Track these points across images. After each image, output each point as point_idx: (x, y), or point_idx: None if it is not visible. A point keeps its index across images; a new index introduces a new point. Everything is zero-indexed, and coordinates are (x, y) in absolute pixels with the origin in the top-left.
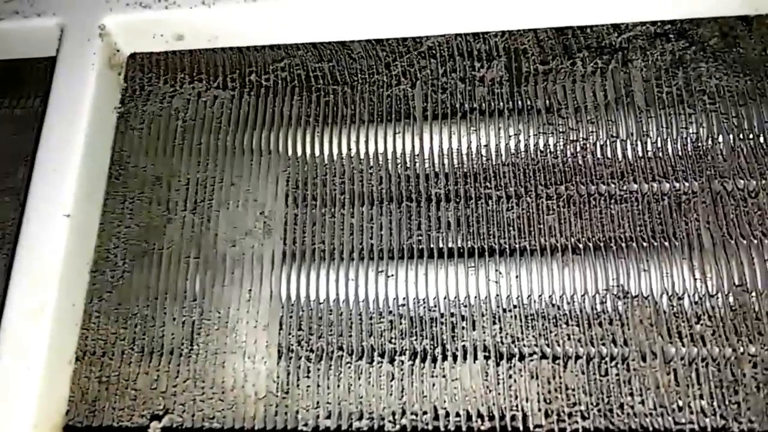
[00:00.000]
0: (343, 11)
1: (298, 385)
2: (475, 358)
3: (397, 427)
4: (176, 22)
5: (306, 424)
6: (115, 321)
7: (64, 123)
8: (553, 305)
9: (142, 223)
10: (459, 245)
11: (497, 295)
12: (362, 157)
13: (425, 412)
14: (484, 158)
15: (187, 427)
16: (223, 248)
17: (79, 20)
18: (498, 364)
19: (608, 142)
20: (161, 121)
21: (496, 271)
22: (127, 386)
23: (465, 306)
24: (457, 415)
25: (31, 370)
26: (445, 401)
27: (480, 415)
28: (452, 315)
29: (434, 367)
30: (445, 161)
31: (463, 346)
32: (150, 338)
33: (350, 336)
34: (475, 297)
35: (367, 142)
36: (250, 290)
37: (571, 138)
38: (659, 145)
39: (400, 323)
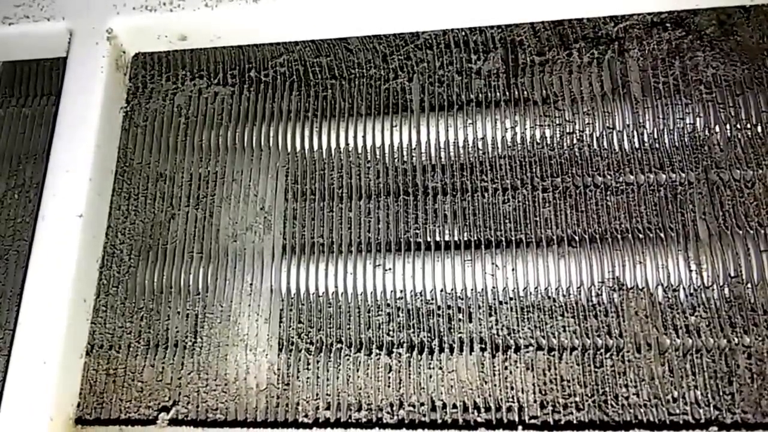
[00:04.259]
0: (342, 9)
1: (298, 377)
2: (472, 350)
3: (395, 418)
4: (180, 23)
5: (306, 416)
6: (121, 315)
7: (76, 125)
8: (549, 297)
9: (146, 218)
10: (456, 238)
11: (493, 288)
12: (360, 150)
13: (422, 404)
14: (481, 151)
15: (192, 418)
16: (225, 243)
17: (88, 24)
18: (494, 356)
19: (604, 134)
20: (164, 118)
21: (493, 263)
22: (134, 379)
23: (461, 298)
24: (454, 406)
25: (47, 365)
26: (441, 393)
27: (476, 407)
28: (449, 307)
29: (431, 359)
30: (442, 154)
31: (460, 338)
32: (155, 331)
33: (349, 328)
34: (472, 289)
35: (364, 135)
36: (251, 284)
37: (568, 130)
38: (655, 135)
39: (398, 316)
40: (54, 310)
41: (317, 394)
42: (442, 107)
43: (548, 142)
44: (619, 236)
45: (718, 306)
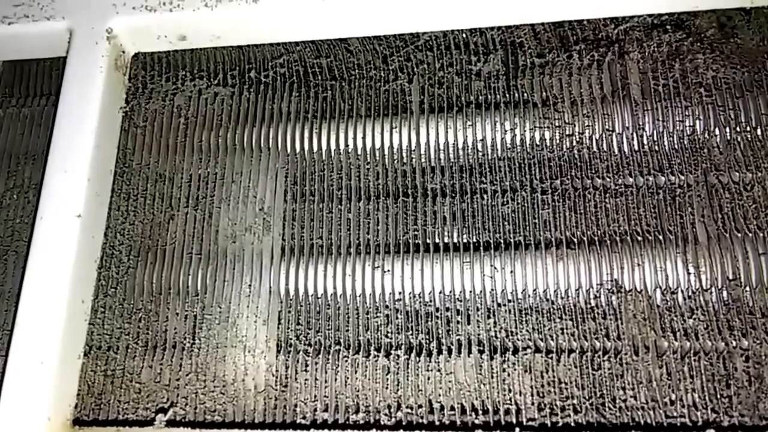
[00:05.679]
0: (342, 10)
1: (296, 379)
2: (470, 352)
3: (393, 420)
4: (180, 23)
5: (304, 417)
6: (120, 316)
7: (75, 126)
8: (547, 299)
9: (145, 219)
10: (455, 240)
11: (492, 290)
12: (359, 152)
13: (420, 406)
14: (480, 152)
15: (190, 420)
16: (224, 244)
17: (88, 24)
18: (492, 358)
19: (604, 136)
20: (164, 118)
21: (491, 265)
22: (132, 380)
23: (460, 300)
24: (452, 408)
25: (45, 365)
26: (439, 395)
27: (474, 409)
28: (447, 309)
29: (429, 361)
30: (442, 156)
31: (458, 340)
32: (154, 332)
33: (347, 330)
34: (470, 291)
35: (364, 137)
36: (250, 285)
37: (567, 132)
38: (655, 138)
39: (396, 318)
40: (52, 311)
41: (315, 396)
42: (442, 109)
43: (548, 144)
44: (617, 239)
45: (717, 309)
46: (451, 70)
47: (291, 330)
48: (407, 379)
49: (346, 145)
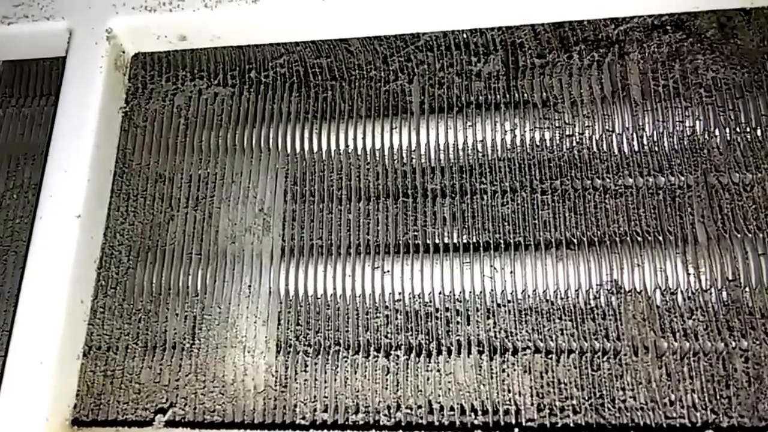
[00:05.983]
0: (342, 10)
1: (296, 379)
2: (469, 353)
3: (392, 420)
4: (180, 23)
5: (304, 418)
6: (119, 316)
7: (74, 126)
8: (547, 300)
9: (145, 220)
10: (454, 240)
11: (491, 290)
12: (359, 152)
13: (420, 406)
14: (480, 153)
15: (189, 420)
16: (224, 244)
17: (88, 24)
18: (492, 359)
19: (604, 136)
20: (164, 118)
21: (491, 266)
22: (131, 380)
23: (460, 301)
24: (451, 409)
25: (44, 365)
26: (439, 395)
27: (474, 409)
28: (447, 310)
29: (429, 362)
30: (442, 156)
31: (458, 340)
32: (153, 333)
33: (347, 331)
34: (470, 292)
35: (364, 137)
36: (249, 286)
37: (567, 132)
38: (655, 138)
39: (396, 318)
40: (51, 311)
41: (315, 397)
42: (442, 109)
43: (548, 145)
44: (617, 239)
45: (716, 309)
46: (452, 70)
47: (291, 330)
48: (407, 380)
49: (346, 146)
